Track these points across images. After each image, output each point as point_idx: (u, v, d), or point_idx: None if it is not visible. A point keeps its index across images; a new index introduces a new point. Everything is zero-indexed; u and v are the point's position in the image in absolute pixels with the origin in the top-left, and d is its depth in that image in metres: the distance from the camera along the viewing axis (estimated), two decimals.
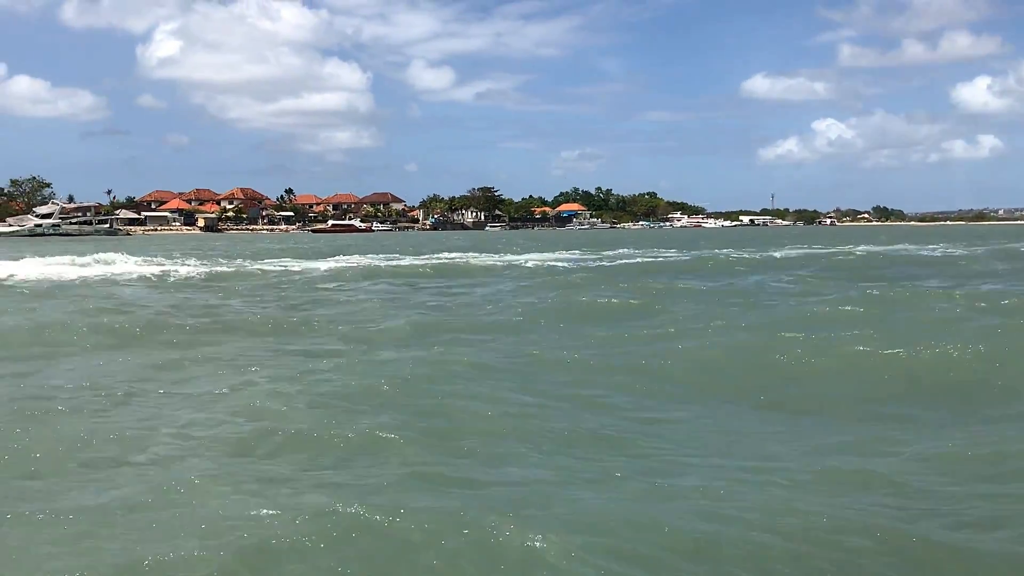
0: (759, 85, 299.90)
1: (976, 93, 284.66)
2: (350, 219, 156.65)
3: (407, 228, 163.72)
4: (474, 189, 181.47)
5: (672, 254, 46.66)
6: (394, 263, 37.51)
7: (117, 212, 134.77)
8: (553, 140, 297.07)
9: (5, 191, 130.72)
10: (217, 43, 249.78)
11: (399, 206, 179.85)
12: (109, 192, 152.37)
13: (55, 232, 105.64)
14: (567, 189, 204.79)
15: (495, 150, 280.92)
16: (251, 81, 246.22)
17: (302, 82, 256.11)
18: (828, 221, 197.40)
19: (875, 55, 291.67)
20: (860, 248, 50.80)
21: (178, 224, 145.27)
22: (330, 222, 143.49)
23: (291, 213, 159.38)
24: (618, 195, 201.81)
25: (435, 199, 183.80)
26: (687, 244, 65.08)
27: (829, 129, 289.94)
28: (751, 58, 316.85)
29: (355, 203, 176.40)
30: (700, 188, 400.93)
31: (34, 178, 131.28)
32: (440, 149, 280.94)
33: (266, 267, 34.40)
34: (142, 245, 67.95)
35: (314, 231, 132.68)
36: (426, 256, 44.37)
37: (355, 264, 37.12)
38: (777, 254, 44.51)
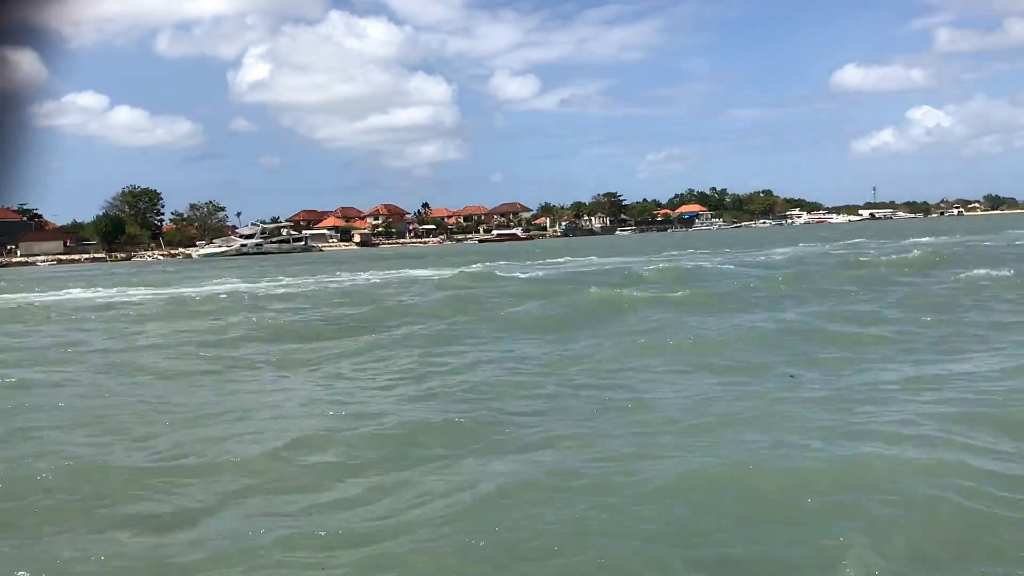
0: (850, 76, 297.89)
1: None
2: (484, 229, 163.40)
3: (539, 236, 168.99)
4: (599, 195, 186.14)
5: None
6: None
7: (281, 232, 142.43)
8: (638, 143, 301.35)
9: (184, 215, 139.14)
10: (305, 64, 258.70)
11: (526, 215, 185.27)
12: (239, 214, 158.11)
13: (258, 251, 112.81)
14: (681, 191, 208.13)
15: (579, 156, 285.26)
16: (339, 100, 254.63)
17: (389, 98, 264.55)
18: (955, 211, 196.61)
19: (976, 37, 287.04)
20: None
21: (334, 240, 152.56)
22: (495, 232, 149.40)
23: (433, 226, 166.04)
24: (734, 194, 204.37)
25: (550, 207, 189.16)
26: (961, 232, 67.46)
27: (926, 117, 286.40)
28: (841, 48, 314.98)
29: (485, 214, 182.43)
30: (793, 184, 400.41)
31: (210, 202, 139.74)
32: (525, 158, 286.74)
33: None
34: (382, 259, 73.75)
35: (481, 241, 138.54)
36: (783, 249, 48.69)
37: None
38: None
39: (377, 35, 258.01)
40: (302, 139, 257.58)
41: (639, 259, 48.15)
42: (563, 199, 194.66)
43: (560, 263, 49.83)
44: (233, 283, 40.83)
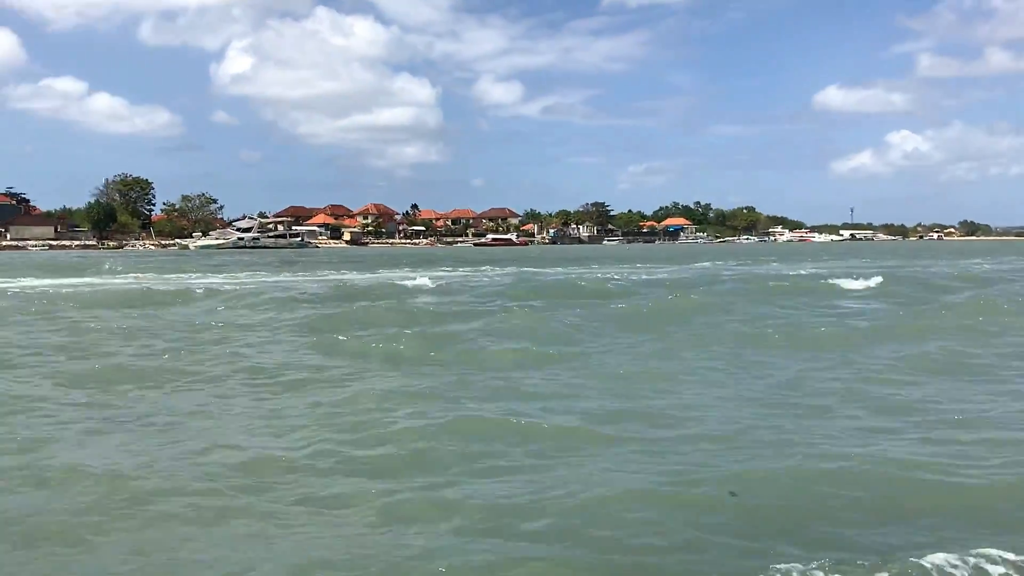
0: (832, 97, 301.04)
1: None
2: (474, 233, 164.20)
3: (528, 243, 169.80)
4: (586, 204, 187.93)
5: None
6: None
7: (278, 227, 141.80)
8: (620, 154, 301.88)
9: (177, 207, 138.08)
10: (289, 59, 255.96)
11: (515, 221, 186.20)
12: (221, 207, 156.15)
13: (255, 245, 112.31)
14: (664, 203, 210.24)
15: (561, 164, 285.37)
16: (322, 97, 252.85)
17: (372, 97, 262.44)
18: (935, 236, 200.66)
19: (956, 65, 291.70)
20: None
21: (324, 238, 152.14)
22: (489, 236, 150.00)
23: (423, 228, 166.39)
24: (718, 209, 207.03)
25: (537, 214, 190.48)
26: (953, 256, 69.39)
27: (904, 141, 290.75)
28: (824, 70, 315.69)
29: (473, 218, 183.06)
30: (771, 201, 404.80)
31: (203, 195, 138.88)
32: (506, 164, 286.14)
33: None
34: (391, 257, 74.13)
35: (476, 245, 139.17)
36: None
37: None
38: None
39: (363, 34, 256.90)
40: (283, 134, 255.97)
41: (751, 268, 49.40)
42: (544, 206, 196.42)
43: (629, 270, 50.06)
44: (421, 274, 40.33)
